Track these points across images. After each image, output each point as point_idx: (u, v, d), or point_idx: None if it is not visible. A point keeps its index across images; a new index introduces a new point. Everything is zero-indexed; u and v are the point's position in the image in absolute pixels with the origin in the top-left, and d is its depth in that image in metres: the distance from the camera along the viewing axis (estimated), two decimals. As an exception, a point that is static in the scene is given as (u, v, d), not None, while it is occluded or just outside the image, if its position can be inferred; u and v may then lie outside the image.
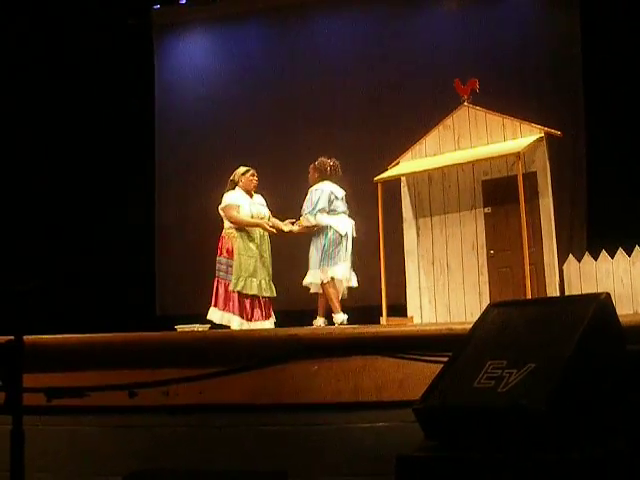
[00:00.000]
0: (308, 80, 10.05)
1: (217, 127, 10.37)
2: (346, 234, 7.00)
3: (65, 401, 3.13)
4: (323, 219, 6.97)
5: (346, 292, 7.11)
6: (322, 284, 6.95)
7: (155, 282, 10.51)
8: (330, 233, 6.96)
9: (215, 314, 6.82)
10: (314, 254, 7.03)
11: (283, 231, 7.14)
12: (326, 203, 6.99)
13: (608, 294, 2.35)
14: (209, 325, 6.77)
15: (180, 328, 6.69)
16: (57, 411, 3.27)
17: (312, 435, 3.21)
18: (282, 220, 7.19)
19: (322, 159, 7.23)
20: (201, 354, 3.36)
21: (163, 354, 3.38)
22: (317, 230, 7.04)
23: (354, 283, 7.10)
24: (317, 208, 6.96)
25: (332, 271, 6.88)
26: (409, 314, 7.10)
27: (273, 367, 2.98)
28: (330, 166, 7.18)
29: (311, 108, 10.02)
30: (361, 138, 9.58)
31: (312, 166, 7.26)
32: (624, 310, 5.96)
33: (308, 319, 7.00)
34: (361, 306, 7.60)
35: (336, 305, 6.91)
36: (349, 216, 7.19)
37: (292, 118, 10.08)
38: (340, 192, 7.16)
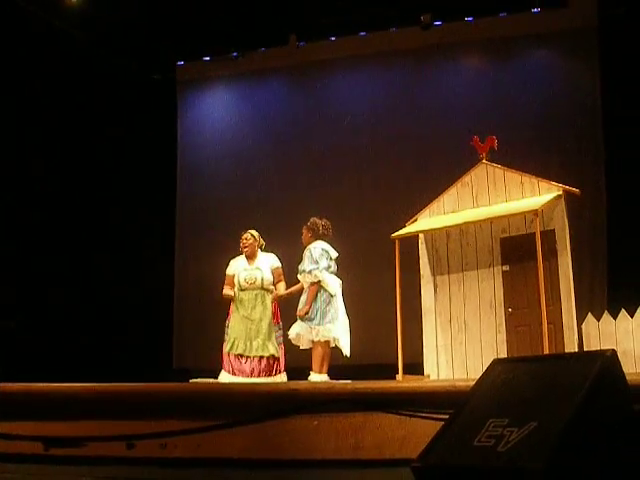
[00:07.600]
0: (326, 136, 10.17)
1: (236, 181, 10.45)
2: (335, 294, 6.90)
3: (63, 450, 3.07)
4: (326, 277, 6.87)
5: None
6: (313, 342, 6.81)
7: (172, 334, 10.52)
8: (321, 292, 6.85)
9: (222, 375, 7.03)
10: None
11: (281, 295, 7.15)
12: (326, 261, 6.90)
13: (614, 351, 2.27)
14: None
15: (194, 381, 6.64)
16: (54, 460, 3.20)
17: (310, 493, 3.10)
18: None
19: (314, 219, 7.14)
20: (200, 407, 3.29)
21: (161, 406, 3.32)
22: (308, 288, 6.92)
23: (347, 352, 6.80)
24: (322, 266, 6.84)
25: (324, 331, 6.72)
26: (426, 372, 6.98)
27: (272, 422, 2.90)
28: (322, 226, 7.10)
29: (327, 164, 10.08)
30: (377, 196, 9.59)
31: (305, 226, 7.18)
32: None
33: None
34: (377, 364, 7.46)
35: (320, 365, 6.73)
36: (337, 275, 7.05)
37: (309, 174, 10.13)
38: (334, 253, 7.05)
